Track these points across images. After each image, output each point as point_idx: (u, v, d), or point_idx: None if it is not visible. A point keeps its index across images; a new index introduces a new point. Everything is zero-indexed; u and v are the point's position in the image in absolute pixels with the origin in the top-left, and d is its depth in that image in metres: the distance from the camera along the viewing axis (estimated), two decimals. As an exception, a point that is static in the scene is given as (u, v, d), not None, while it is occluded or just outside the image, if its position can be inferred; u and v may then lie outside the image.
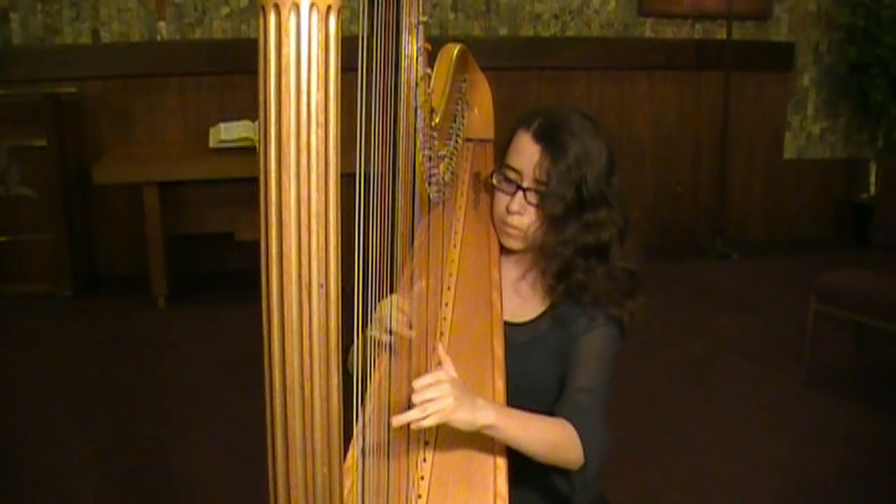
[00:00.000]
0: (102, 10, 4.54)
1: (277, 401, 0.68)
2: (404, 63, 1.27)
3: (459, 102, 1.93)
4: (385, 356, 1.33)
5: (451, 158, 1.76)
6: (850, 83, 5.35)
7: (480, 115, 2.09)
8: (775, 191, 5.63)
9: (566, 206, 1.44)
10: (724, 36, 5.12)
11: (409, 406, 1.14)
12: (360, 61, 0.92)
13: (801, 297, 3.63)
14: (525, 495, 1.43)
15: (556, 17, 5.08)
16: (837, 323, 3.50)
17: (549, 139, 1.45)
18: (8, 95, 4.30)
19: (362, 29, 0.93)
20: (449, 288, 1.57)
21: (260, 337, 0.69)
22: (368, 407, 1.22)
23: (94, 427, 3.10)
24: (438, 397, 1.14)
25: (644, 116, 5.32)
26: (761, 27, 5.33)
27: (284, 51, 0.63)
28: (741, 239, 5.49)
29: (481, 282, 1.56)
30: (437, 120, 1.57)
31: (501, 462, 1.26)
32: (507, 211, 1.50)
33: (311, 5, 0.62)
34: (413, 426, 1.14)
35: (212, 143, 4.37)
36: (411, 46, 1.32)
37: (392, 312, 1.31)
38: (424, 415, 1.13)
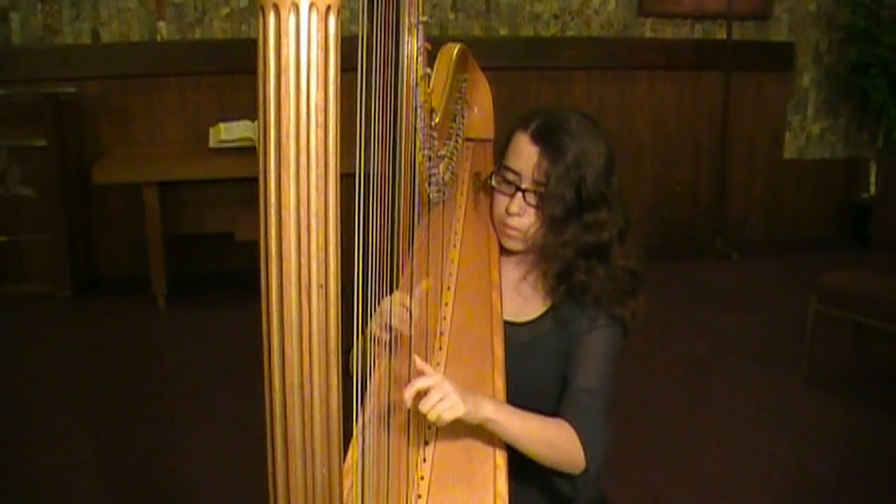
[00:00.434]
0: (102, 10, 4.54)
1: (277, 401, 0.68)
2: (404, 63, 1.27)
3: (459, 102, 1.93)
4: (385, 356, 1.33)
5: (450, 158, 1.76)
6: (850, 83, 5.35)
7: (480, 114, 2.09)
8: (775, 191, 5.63)
9: (566, 206, 1.43)
10: (724, 36, 5.12)
11: (408, 412, 1.15)
12: (360, 61, 0.91)
13: (801, 297, 3.63)
14: (526, 494, 1.43)
15: (556, 17, 5.08)
16: (837, 323, 3.50)
17: (548, 140, 1.45)
18: (8, 95, 4.30)
19: (362, 29, 0.93)
20: (449, 288, 1.57)
21: (260, 337, 0.69)
22: (368, 407, 1.22)
23: (94, 427, 3.10)
24: (446, 395, 1.16)
25: (644, 116, 5.32)
26: (761, 27, 5.33)
27: (284, 51, 0.63)
28: (741, 239, 5.49)
29: (481, 281, 1.56)
30: (436, 120, 1.57)
31: (501, 462, 1.26)
32: (507, 212, 1.50)
33: (311, 5, 0.62)
34: (412, 434, 1.15)
35: (212, 143, 4.37)
36: (411, 46, 1.32)
37: (394, 308, 1.31)
38: (437, 416, 1.16)
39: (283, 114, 0.64)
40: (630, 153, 5.21)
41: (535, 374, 1.47)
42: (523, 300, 1.55)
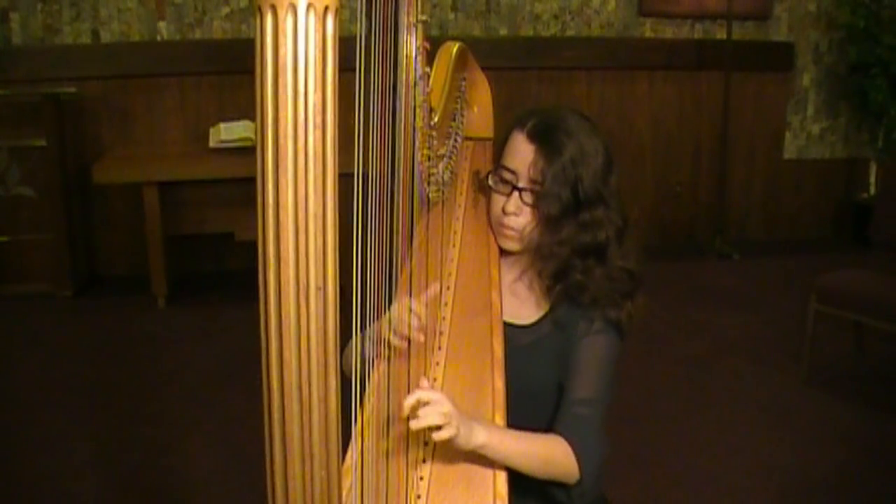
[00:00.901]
0: (102, 10, 4.54)
1: (275, 403, 0.68)
2: (403, 62, 1.27)
3: (459, 101, 1.93)
4: (384, 357, 1.32)
5: (450, 157, 1.76)
6: (850, 83, 5.35)
7: (480, 113, 2.09)
8: (775, 191, 5.63)
9: (562, 205, 1.43)
10: (724, 36, 5.11)
11: (408, 416, 1.14)
12: (359, 61, 0.91)
13: (801, 297, 3.63)
14: (523, 501, 1.42)
15: (556, 17, 5.07)
16: (837, 323, 3.50)
17: (544, 139, 1.45)
18: (8, 95, 4.30)
19: (360, 28, 0.93)
20: (448, 287, 1.57)
21: (259, 338, 0.69)
22: (367, 408, 1.22)
23: (94, 427, 3.10)
24: (445, 413, 1.15)
25: (644, 116, 5.32)
26: (761, 27, 5.32)
27: (281, 52, 0.63)
28: (741, 239, 5.49)
29: (481, 281, 1.55)
30: (436, 119, 1.57)
31: (501, 463, 1.26)
32: (503, 212, 1.50)
33: (308, 6, 0.62)
34: (412, 437, 1.15)
35: (212, 143, 4.37)
36: (410, 45, 1.31)
37: (404, 315, 1.30)
38: (433, 425, 1.14)
39: (281, 115, 0.64)
40: (630, 153, 5.21)
41: (533, 378, 1.46)
42: (519, 302, 1.55)
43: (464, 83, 1.99)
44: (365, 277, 1.03)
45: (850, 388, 3.46)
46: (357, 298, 0.97)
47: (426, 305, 1.34)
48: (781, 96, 5.48)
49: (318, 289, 0.66)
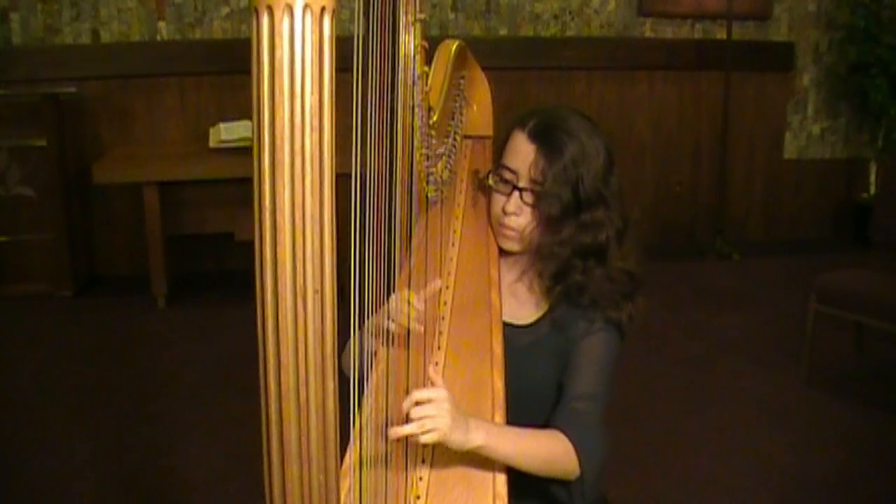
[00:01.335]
0: (102, 10, 4.54)
1: (273, 407, 0.68)
2: (401, 61, 1.27)
3: (458, 99, 1.92)
4: (383, 357, 1.32)
5: (449, 156, 1.76)
6: (850, 83, 5.34)
7: (479, 111, 2.09)
8: (775, 191, 5.62)
9: (562, 206, 1.43)
10: (724, 36, 5.11)
11: (406, 418, 1.14)
12: (356, 60, 0.91)
13: (801, 297, 3.63)
14: (522, 502, 1.42)
15: (556, 17, 5.07)
16: (837, 323, 3.50)
17: (545, 139, 1.44)
18: (8, 95, 4.30)
19: (358, 28, 0.93)
20: (448, 287, 1.57)
21: (257, 340, 0.69)
22: (366, 409, 1.22)
23: (94, 427, 3.10)
24: (437, 415, 1.14)
25: (644, 116, 5.31)
26: (761, 27, 5.32)
27: (278, 53, 0.62)
28: (741, 239, 5.48)
29: (480, 280, 1.55)
30: (434, 117, 1.57)
31: (500, 463, 1.26)
32: (504, 212, 1.50)
33: (305, 7, 0.62)
34: (410, 440, 1.15)
35: (212, 143, 4.37)
36: (408, 44, 1.31)
37: (402, 306, 1.30)
38: (422, 431, 1.13)
39: (278, 116, 0.63)
40: (630, 153, 5.21)
41: (533, 378, 1.46)
42: (519, 301, 1.55)
43: (463, 81, 1.99)
44: (364, 278, 1.03)
45: (850, 388, 3.46)
46: (356, 299, 0.97)
47: (425, 300, 1.33)
48: (781, 96, 5.48)
49: (315, 292, 0.66)
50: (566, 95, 5.10)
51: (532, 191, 1.46)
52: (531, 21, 5.05)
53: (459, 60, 1.88)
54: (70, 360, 3.71)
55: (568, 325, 1.46)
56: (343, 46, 0.66)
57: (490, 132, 2.08)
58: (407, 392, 1.21)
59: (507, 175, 1.49)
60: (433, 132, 1.57)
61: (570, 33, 5.10)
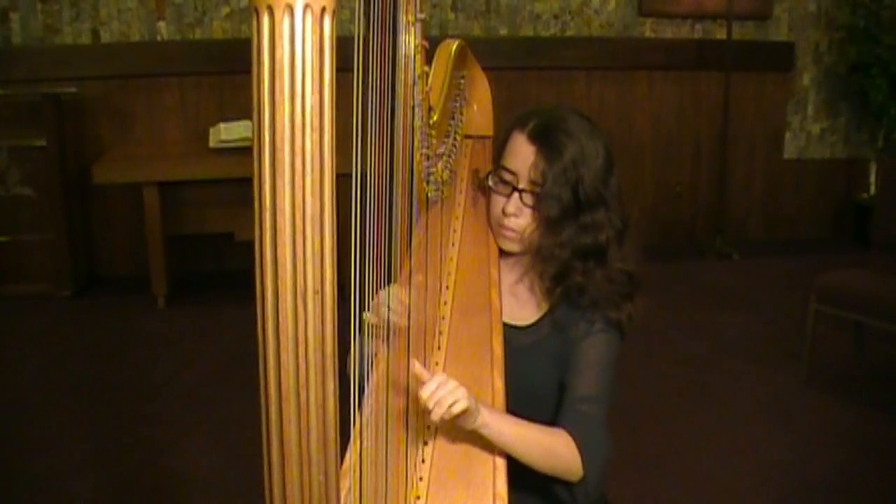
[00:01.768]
0: (102, 10, 4.54)
1: (273, 408, 0.67)
2: (401, 61, 1.27)
3: (458, 99, 1.92)
4: (383, 353, 1.32)
5: (449, 156, 1.76)
6: (850, 83, 5.34)
7: (479, 111, 2.09)
8: (775, 191, 5.62)
9: (562, 207, 1.42)
10: (724, 36, 5.11)
11: (407, 413, 1.15)
12: (356, 60, 0.91)
13: (801, 297, 3.63)
14: (525, 501, 1.42)
15: (556, 17, 5.07)
16: (837, 323, 3.50)
17: (545, 140, 1.44)
18: (8, 95, 4.30)
19: (358, 27, 0.93)
20: (448, 287, 1.57)
21: (257, 341, 0.69)
22: (366, 409, 1.22)
23: (93, 427, 3.10)
24: (452, 389, 1.16)
25: (644, 116, 5.32)
26: (761, 27, 5.32)
27: (278, 53, 0.62)
28: (741, 239, 5.48)
29: (480, 280, 1.55)
30: (434, 117, 1.57)
31: (501, 463, 1.26)
32: (504, 213, 1.49)
33: (306, 7, 0.61)
34: (411, 437, 1.15)
35: (212, 143, 4.37)
36: (408, 44, 1.31)
37: (390, 302, 1.30)
38: (449, 405, 1.15)
39: (278, 117, 0.63)
40: (630, 153, 5.21)
41: (533, 379, 1.46)
42: (519, 304, 1.54)
43: (463, 81, 1.98)
44: (364, 278, 1.03)
45: (850, 388, 3.46)
46: (356, 299, 0.97)
47: (414, 292, 1.34)
48: (781, 96, 5.48)
49: (315, 292, 0.66)
50: (566, 95, 5.10)
51: (532, 192, 1.46)
52: (531, 21, 5.05)
53: (459, 60, 1.88)
54: (70, 360, 3.71)
55: (568, 325, 1.46)
56: (343, 46, 0.66)
57: (490, 132, 2.08)
58: (407, 392, 1.21)
59: (507, 176, 1.49)
60: (433, 132, 1.57)
61: (570, 33, 5.10)
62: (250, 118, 0.66)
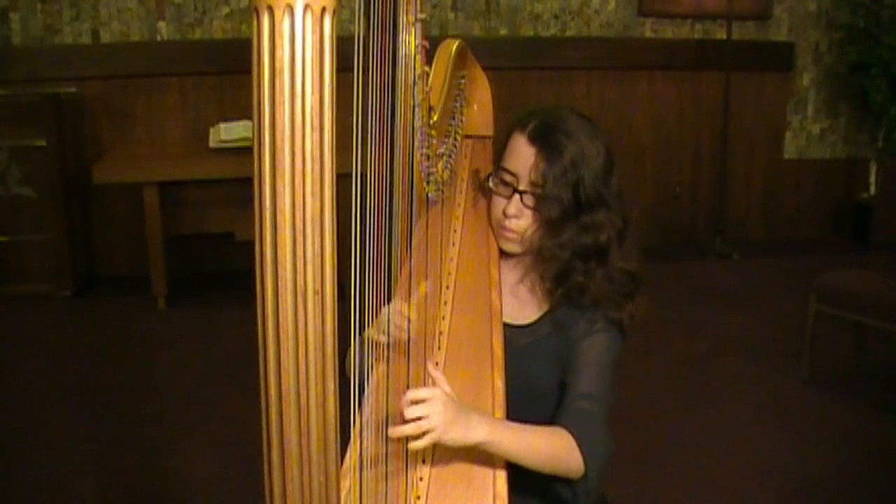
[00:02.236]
0: (102, 10, 4.54)
1: (273, 408, 0.68)
2: (402, 61, 1.27)
3: (458, 99, 1.92)
4: (383, 361, 1.32)
5: (449, 156, 1.76)
6: (850, 83, 5.34)
7: (480, 111, 2.09)
8: (775, 191, 5.62)
9: (563, 208, 1.42)
10: (724, 36, 5.11)
11: (403, 419, 1.13)
12: (357, 60, 0.91)
13: (801, 297, 3.63)
14: (525, 501, 1.42)
15: (556, 17, 5.07)
16: (837, 323, 3.50)
17: (545, 141, 1.44)
18: (8, 95, 4.29)
19: (359, 27, 0.93)
20: (448, 287, 1.57)
21: (257, 341, 0.69)
22: (366, 409, 1.22)
23: (93, 427, 3.10)
24: (430, 415, 1.12)
25: (644, 116, 5.32)
26: (761, 27, 5.32)
27: (278, 53, 0.62)
28: (741, 239, 5.48)
29: (480, 280, 1.55)
30: (435, 117, 1.57)
31: (501, 463, 1.25)
32: (504, 214, 1.49)
33: (306, 7, 0.62)
34: (409, 445, 1.14)
35: (212, 143, 4.37)
36: (409, 44, 1.31)
37: (392, 317, 1.30)
38: (417, 432, 1.12)
39: (278, 117, 0.63)
40: (630, 153, 5.21)
41: (533, 378, 1.46)
42: (520, 304, 1.54)
43: (463, 81, 1.98)
44: (364, 278, 1.03)
45: (850, 388, 3.46)
46: (356, 299, 0.97)
47: (416, 306, 1.33)
48: (781, 96, 5.48)
49: (315, 292, 0.66)
50: (566, 95, 5.10)
51: (532, 193, 1.46)
52: (531, 21, 5.05)
53: (460, 60, 1.88)
54: (70, 360, 3.71)
55: (569, 325, 1.46)
56: (343, 46, 0.66)
57: (490, 132, 2.08)
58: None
59: (507, 178, 1.49)
60: (433, 132, 1.57)
61: (570, 33, 5.10)
62: (250, 118, 0.66)
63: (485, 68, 2.10)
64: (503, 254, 1.58)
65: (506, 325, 1.48)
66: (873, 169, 5.44)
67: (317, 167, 0.65)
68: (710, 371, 3.65)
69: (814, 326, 3.43)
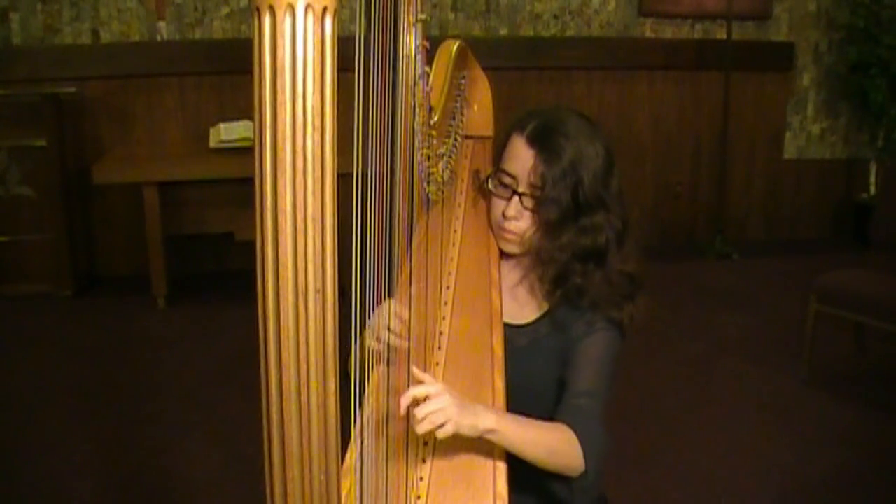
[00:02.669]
0: (102, 10, 4.54)
1: (274, 407, 0.68)
2: (402, 61, 1.27)
3: (458, 99, 1.92)
4: (382, 362, 1.32)
5: (449, 156, 1.76)
6: (850, 83, 5.34)
7: (480, 111, 2.09)
8: (775, 191, 5.62)
9: (562, 210, 1.42)
10: (724, 36, 5.11)
11: (408, 417, 1.13)
12: (358, 60, 0.91)
13: (801, 297, 3.63)
14: (524, 500, 1.42)
15: (556, 17, 5.07)
16: (837, 323, 3.50)
17: (544, 143, 1.44)
18: (8, 95, 4.30)
19: (360, 27, 0.93)
20: (448, 287, 1.57)
21: (257, 340, 0.69)
22: (367, 409, 1.22)
23: (93, 427, 3.10)
24: (442, 408, 1.13)
25: (644, 116, 5.32)
26: (761, 27, 5.32)
27: (280, 53, 0.62)
28: (741, 239, 5.48)
29: (480, 281, 1.55)
30: (435, 118, 1.57)
31: (501, 463, 1.26)
32: (504, 216, 1.49)
33: (307, 7, 0.62)
34: (411, 438, 1.14)
35: (212, 143, 4.37)
36: (409, 45, 1.31)
37: (390, 322, 1.30)
38: (433, 428, 1.13)
39: (279, 117, 0.63)
40: (630, 153, 5.21)
41: (532, 378, 1.46)
42: (519, 305, 1.55)
43: (464, 81, 1.99)
44: (364, 278, 1.03)
45: (850, 388, 3.46)
46: (356, 299, 0.97)
47: (414, 306, 1.33)
48: (781, 96, 5.48)
49: (316, 292, 0.66)
50: (566, 95, 5.10)
51: (532, 195, 1.46)
52: (531, 21, 5.05)
53: (460, 60, 1.88)
54: (70, 360, 3.71)
55: (568, 325, 1.46)
56: (344, 47, 0.66)
57: (491, 132, 2.08)
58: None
59: (507, 179, 1.49)
60: (434, 132, 1.57)
61: (570, 33, 5.10)
62: (250, 118, 0.66)
63: (485, 68, 2.10)
64: (503, 254, 1.58)
65: (506, 325, 1.49)
66: (873, 169, 5.44)
67: (318, 167, 0.65)
68: (710, 371, 3.65)
69: (814, 326, 3.43)
